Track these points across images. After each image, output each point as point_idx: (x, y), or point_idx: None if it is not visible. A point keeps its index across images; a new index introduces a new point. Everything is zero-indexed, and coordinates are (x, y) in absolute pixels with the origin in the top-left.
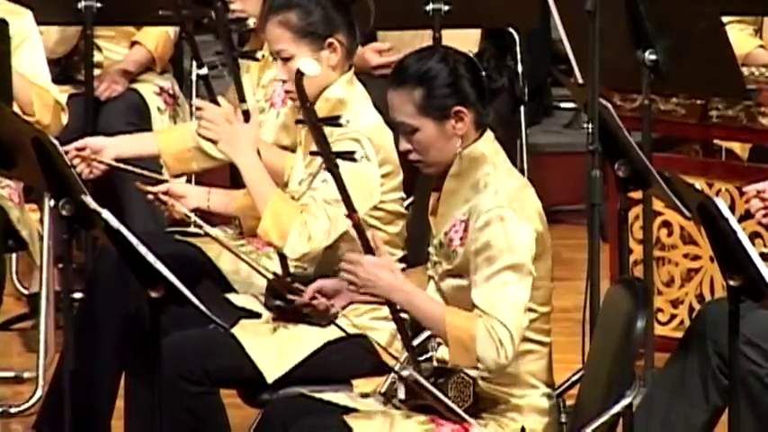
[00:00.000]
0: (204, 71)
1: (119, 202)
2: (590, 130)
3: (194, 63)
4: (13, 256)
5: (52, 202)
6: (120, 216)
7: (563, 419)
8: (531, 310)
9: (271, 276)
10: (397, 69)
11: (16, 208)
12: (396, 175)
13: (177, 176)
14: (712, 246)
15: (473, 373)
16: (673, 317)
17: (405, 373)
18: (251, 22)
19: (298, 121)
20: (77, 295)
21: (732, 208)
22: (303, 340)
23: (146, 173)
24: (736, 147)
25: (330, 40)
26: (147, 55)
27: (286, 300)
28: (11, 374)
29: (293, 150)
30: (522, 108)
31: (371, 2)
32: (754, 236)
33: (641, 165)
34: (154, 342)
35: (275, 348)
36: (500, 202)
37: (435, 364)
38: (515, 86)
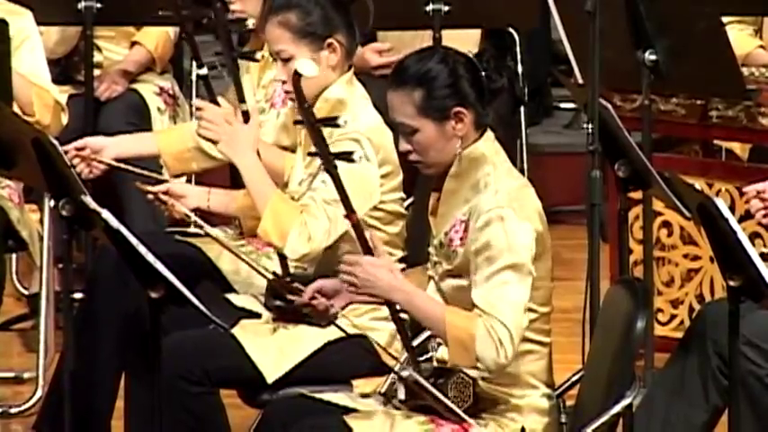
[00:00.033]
0: (204, 71)
1: (119, 202)
2: (590, 130)
3: (194, 63)
4: (13, 256)
5: (52, 203)
6: (119, 216)
7: (563, 420)
8: (531, 310)
9: (270, 276)
10: (397, 70)
11: (16, 208)
12: (395, 175)
13: (177, 176)
14: (712, 246)
15: (473, 373)
16: (673, 317)
17: (404, 373)
18: (250, 23)
19: (296, 122)
20: (77, 295)
21: (732, 208)
22: (303, 340)
23: (146, 173)
24: (735, 147)
25: (329, 40)
26: (146, 55)
27: (286, 300)
28: (11, 375)
29: (293, 151)
30: (521, 108)
31: (370, 2)
32: (753, 236)
33: (641, 165)
34: (154, 342)
35: (275, 348)
36: (500, 202)
37: (435, 364)
38: (515, 87)
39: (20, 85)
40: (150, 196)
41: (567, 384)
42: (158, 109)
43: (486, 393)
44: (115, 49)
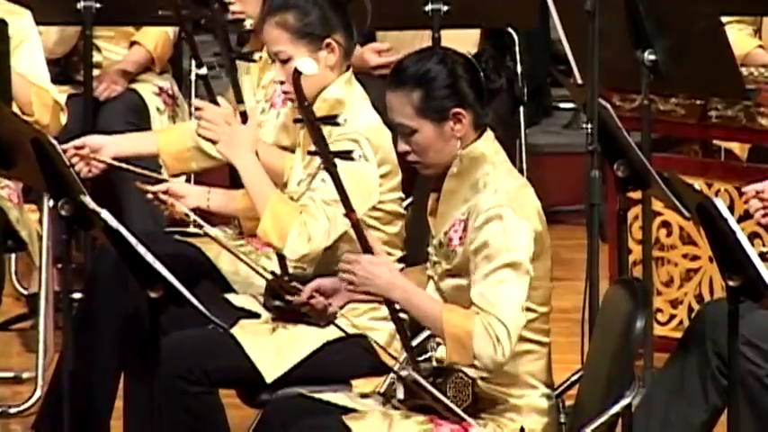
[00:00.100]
0: (203, 71)
1: (118, 201)
2: (589, 130)
3: (193, 63)
4: (13, 256)
5: (51, 203)
6: (119, 216)
7: (562, 420)
8: (530, 310)
9: (269, 277)
10: (396, 71)
11: (15, 208)
12: (394, 175)
13: (176, 176)
14: (711, 246)
15: (472, 373)
16: (672, 317)
17: (404, 373)
18: (248, 24)
19: (296, 120)
20: (76, 295)
21: (731, 208)
22: (302, 340)
23: (145, 172)
24: (735, 147)
25: (328, 40)
26: (146, 55)
27: (285, 300)
28: (10, 375)
29: (293, 151)
30: (521, 108)
31: (368, 1)
32: (753, 236)
33: (640, 165)
34: (153, 342)
35: (274, 348)
36: (499, 201)
37: (434, 364)
38: (514, 87)
39: (19, 85)
40: (150, 196)
41: (566, 384)
42: (157, 109)
43: (485, 393)
44: (114, 49)
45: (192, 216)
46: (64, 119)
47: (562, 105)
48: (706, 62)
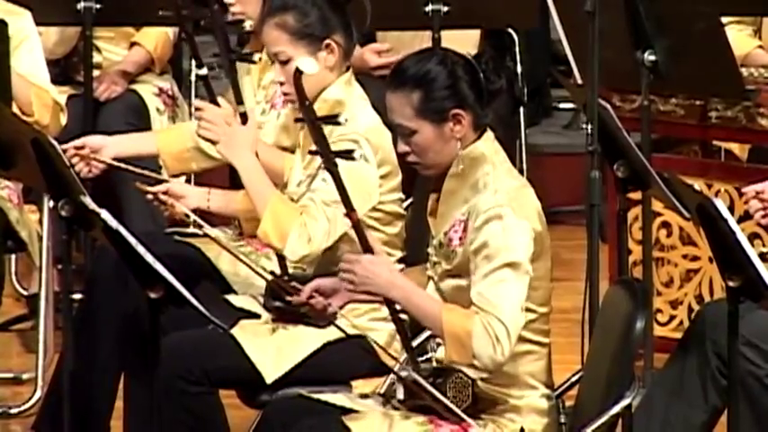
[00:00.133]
0: (204, 71)
1: (118, 202)
2: (589, 130)
3: (194, 64)
4: (13, 256)
5: (51, 203)
6: (118, 216)
7: (562, 420)
8: (530, 310)
9: (269, 277)
10: (396, 71)
11: (15, 209)
12: (394, 175)
13: (176, 176)
14: (711, 246)
15: (472, 373)
16: (672, 317)
17: (404, 373)
18: (247, 25)
19: (297, 120)
20: (77, 296)
21: (731, 209)
22: (302, 341)
23: (145, 173)
24: (735, 147)
25: (327, 41)
26: (146, 56)
27: (285, 300)
28: (10, 375)
29: (294, 152)
30: (521, 109)
31: (367, 2)
32: (753, 237)
33: (640, 165)
34: (153, 342)
35: (274, 349)
36: (499, 201)
37: (434, 364)
38: (514, 87)
39: (19, 86)
40: (150, 196)
41: (566, 385)
42: (157, 109)
43: (484, 394)
44: (114, 50)
45: (192, 217)
46: (64, 119)
47: (562, 106)
48: (706, 62)
